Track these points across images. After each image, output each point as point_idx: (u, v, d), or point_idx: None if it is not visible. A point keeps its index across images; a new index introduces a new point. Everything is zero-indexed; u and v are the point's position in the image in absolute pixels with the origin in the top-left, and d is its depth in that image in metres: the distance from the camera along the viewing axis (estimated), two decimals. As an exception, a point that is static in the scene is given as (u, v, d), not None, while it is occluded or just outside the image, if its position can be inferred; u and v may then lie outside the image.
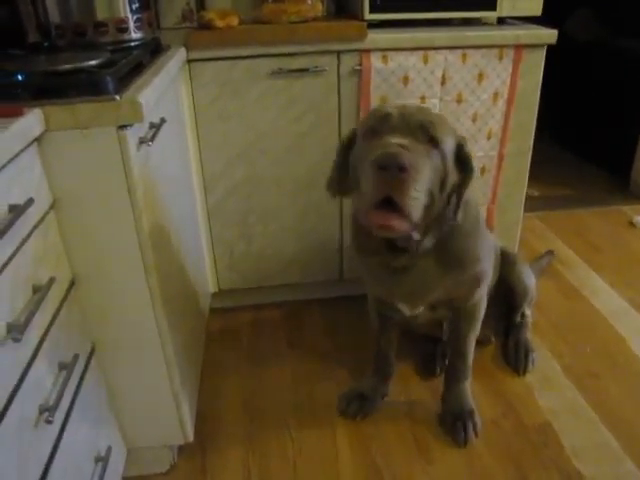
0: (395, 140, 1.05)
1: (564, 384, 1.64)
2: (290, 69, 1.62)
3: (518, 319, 1.76)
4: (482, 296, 1.42)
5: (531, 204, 1.95)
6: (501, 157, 1.84)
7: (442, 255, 1.25)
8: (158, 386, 1.26)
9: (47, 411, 0.91)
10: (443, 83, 1.69)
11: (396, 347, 1.59)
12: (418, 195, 1.05)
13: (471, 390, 1.53)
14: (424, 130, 1.08)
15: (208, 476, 1.40)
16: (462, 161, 1.15)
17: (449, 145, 1.12)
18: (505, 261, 1.63)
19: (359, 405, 1.55)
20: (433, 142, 1.08)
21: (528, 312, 1.78)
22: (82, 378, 1.09)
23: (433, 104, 1.71)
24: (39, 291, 0.91)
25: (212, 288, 1.96)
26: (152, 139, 1.08)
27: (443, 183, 1.11)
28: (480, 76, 1.69)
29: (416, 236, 1.15)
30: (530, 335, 1.78)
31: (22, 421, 0.85)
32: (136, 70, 1.16)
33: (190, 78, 1.60)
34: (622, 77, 2.98)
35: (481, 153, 1.82)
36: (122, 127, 0.99)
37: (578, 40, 3.32)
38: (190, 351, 1.49)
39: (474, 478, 1.37)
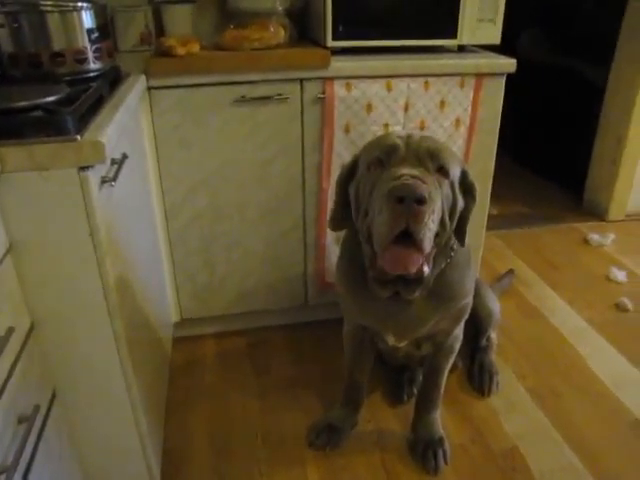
0: (407, 171, 1.05)
1: (529, 406, 1.67)
2: (253, 97, 1.60)
3: (483, 342, 1.78)
4: (461, 329, 1.43)
5: (490, 222, 1.99)
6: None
7: (438, 287, 1.24)
8: (124, 431, 1.22)
9: (5, 472, 0.86)
10: (406, 110, 1.70)
11: (368, 379, 1.58)
12: (433, 227, 1.05)
13: (440, 415, 1.54)
14: (433, 159, 1.08)
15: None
16: (466, 188, 1.16)
17: (456, 173, 1.13)
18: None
19: (328, 436, 1.53)
20: (442, 171, 1.09)
21: (493, 335, 1.80)
22: (43, 428, 1.03)
23: (401, 125, 1.72)
24: (-4, 344, 0.86)
25: (174, 317, 1.91)
26: (114, 178, 1.05)
27: (452, 211, 1.12)
28: (442, 103, 1.72)
29: (427, 269, 1.13)
30: (494, 357, 1.80)
31: (-22, 487, 0.80)
32: (96, 105, 1.12)
33: (150, 106, 1.56)
34: (574, 96, 3.09)
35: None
36: (83, 168, 0.95)
37: (529, 59, 3.43)
38: (155, 389, 1.44)
39: (445, 508, 1.37)
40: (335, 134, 1.69)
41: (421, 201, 1.00)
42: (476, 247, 1.99)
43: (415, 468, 1.47)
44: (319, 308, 2.02)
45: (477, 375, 1.75)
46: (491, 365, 1.76)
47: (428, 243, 1.05)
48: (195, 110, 1.59)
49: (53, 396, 1.11)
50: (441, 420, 1.54)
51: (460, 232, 1.19)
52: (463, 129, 1.78)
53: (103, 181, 1.03)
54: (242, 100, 1.60)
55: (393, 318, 1.29)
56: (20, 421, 0.94)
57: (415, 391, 1.68)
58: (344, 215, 1.23)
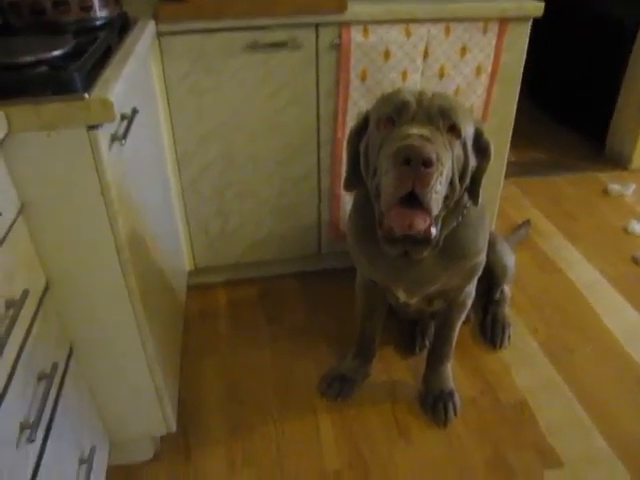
0: (416, 130, 1.00)
1: (540, 360, 1.68)
2: (266, 43, 1.53)
3: (497, 296, 1.77)
4: (474, 286, 1.41)
5: (507, 169, 1.93)
6: (482, 132, 1.81)
7: (448, 246, 1.21)
8: (140, 382, 1.24)
9: (29, 429, 0.88)
10: (425, 57, 1.62)
11: (381, 331, 1.59)
12: (441, 189, 1.01)
13: (451, 369, 1.56)
14: (445, 118, 1.03)
15: (192, 462, 1.41)
16: (480, 147, 1.11)
17: (469, 132, 1.08)
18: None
19: (340, 387, 1.56)
20: (454, 131, 1.04)
21: (507, 288, 1.79)
22: (62, 384, 1.05)
23: (414, 80, 1.65)
24: (13, 306, 0.86)
25: (188, 266, 1.92)
26: (125, 135, 1.02)
27: (464, 172, 1.08)
28: (463, 50, 1.63)
29: (435, 231, 1.10)
30: (508, 310, 1.80)
31: (2, 445, 0.82)
32: (104, 57, 1.08)
33: (161, 53, 1.50)
34: (600, 36, 2.93)
35: (462, 128, 1.78)
36: (92, 127, 0.92)
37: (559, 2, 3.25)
38: (170, 341, 1.46)
39: (453, 459, 1.41)
40: (351, 82, 1.63)
41: (428, 163, 0.95)
42: (493, 199, 1.95)
43: (425, 420, 1.51)
44: (332, 257, 2.02)
45: (489, 328, 1.76)
46: (504, 318, 1.77)
47: (435, 206, 1.02)
48: (206, 57, 1.53)
49: (70, 353, 1.13)
50: (452, 372, 1.56)
51: (473, 192, 1.16)
52: (484, 77, 1.70)
53: (113, 139, 1.01)
54: (255, 46, 1.53)
55: (403, 275, 1.28)
56: (40, 378, 0.96)
57: (427, 343, 1.70)
58: (357, 174, 1.19)
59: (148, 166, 1.39)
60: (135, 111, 1.11)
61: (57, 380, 1.03)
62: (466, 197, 1.18)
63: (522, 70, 1.73)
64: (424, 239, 1.11)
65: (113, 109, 0.92)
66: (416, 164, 0.95)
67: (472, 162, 1.09)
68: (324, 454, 1.43)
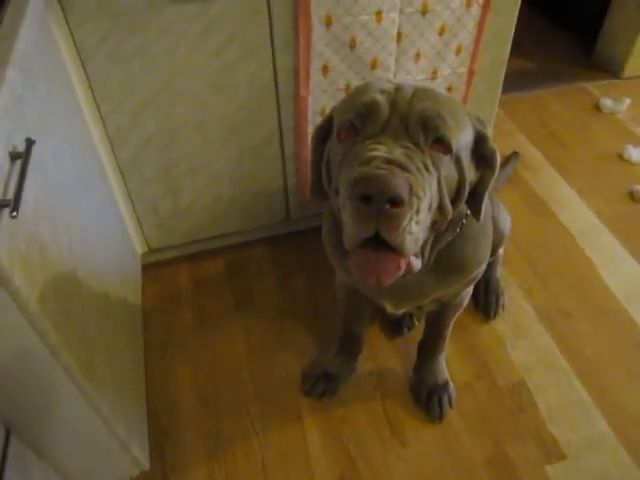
0: (382, 151, 0.74)
1: (536, 330, 1.56)
2: (200, -11, 1.19)
3: (490, 259, 1.60)
4: (472, 288, 1.23)
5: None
6: (471, 73, 1.53)
7: (443, 260, 0.99)
8: (100, 440, 1.08)
9: None
10: (404, -9, 1.30)
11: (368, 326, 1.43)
12: (418, 229, 0.76)
13: (444, 358, 1.43)
14: (428, 130, 0.77)
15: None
16: (482, 155, 0.86)
17: (465, 141, 0.82)
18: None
19: (325, 385, 1.42)
20: (442, 144, 0.78)
21: (500, 251, 1.62)
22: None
23: (391, 19, 1.33)
24: None
25: (141, 249, 1.68)
26: (17, 197, 0.73)
27: (459, 191, 0.83)
28: (450, -23, 1.31)
29: (417, 264, 0.87)
30: (501, 273, 1.65)
31: None
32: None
33: (64, 15, 1.15)
34: None
35: (448, 71, 1.50)
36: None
37: None
38: (127, 372, 1.28)
39: (451, 460, 1.31)
40: (314, 28, 1.30)
41: (395, 202, 0.71)
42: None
43: (418, 415, 1.39)
44: (304, 221, 1.80)
45: (482, 296, 1.61)
46: (497, 284, 1.61)
47: (412, 245, 0.77)
48: (125, 13, 1.18)
49: (7, 435, 0.93)
50: (445, 353, 1.43)
51: (475, 208, 0.92)
52: (475, 8, 1.39)
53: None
54: (185, -6, 1.19)
55: (387, 288, 1.04)
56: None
57: (416, 322, 1.55)
58: (322, 184, 0.93)
59: (69, 175, 1.11)
60: (30, 144, 0.81)
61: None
62: (465, 207, 0.95)
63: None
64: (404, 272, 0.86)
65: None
66: (379, 202, 0.71)
67: (470, 176, 0.85)
68: (313, 467, 1.31)
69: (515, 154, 2.03)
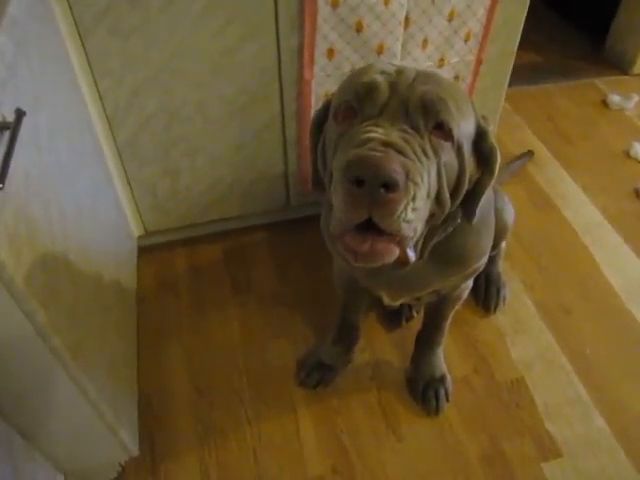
0: (379, 133, 0.71)
1: (536, 326, 1.53)
2: (205, -36, 1.15)
3: (492, 252, 1.57)
4: (472, 281, 1.20)
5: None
6: (479, 62, 1.50)
7: (441, 253, 0.96)
8: (88, 426, 1.05)
9: None
10: (414, -25, 1.27)
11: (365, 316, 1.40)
12: (415, 216, 0.72)
13: (442, 351, 1.40)
14: (429, 114, 0.73)
15: (162, 476, 1.27)
16: (481, 152, 0.82)
17: (467, 130, 0.78)
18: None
19: (320, 375, 1.40)
20: (443, 130, 0.74)
21: (503, 244, 1.59)
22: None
23: (400, 2, 1.30)
24: None
25: (137, 232, 1.65)
26: (3, 173, 0.70)
27: (459, 183, 0.80)
28: (461, -39, 1.28)
29: (413, 255, 0.82)
30: (502, 266, 1.62)
31: None
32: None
33: (62, -14, 1.12)
34: None
35: (456, 59, 1.46)
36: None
37: None
38: (119, 352, 1.26)
39: (446, 455, 1.29)
40: (319, 10, 1.27)
41: (390, 187, 0.67)
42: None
43: (414, 408, 1.37)
44: (303, 208, 1.77)
45: (483, 289, 1.58)
46: (499, 278, 1.59)
47: (409, 232, 0.73)
48: (127, -14, 1.15)
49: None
50: (443, 347, 1.40)
51: (468, 208, 0.87)
52: (486, -6, 1.36)
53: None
54: (190, -31, 1.15)
55: (385, 279, 1.04)
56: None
57: (414, 314, 1.52)
58: (319, 167, 0.90)
59: (64, 153, 1.08)
60: (20, 115, 0.78)
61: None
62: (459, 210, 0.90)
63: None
64: (399, 263, 0.82)
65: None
66: (373, 186, 0.67)
67: (470, 169, 0.81)
68: (306, 458, 1.29)
69: (530, 152, 1.99)
